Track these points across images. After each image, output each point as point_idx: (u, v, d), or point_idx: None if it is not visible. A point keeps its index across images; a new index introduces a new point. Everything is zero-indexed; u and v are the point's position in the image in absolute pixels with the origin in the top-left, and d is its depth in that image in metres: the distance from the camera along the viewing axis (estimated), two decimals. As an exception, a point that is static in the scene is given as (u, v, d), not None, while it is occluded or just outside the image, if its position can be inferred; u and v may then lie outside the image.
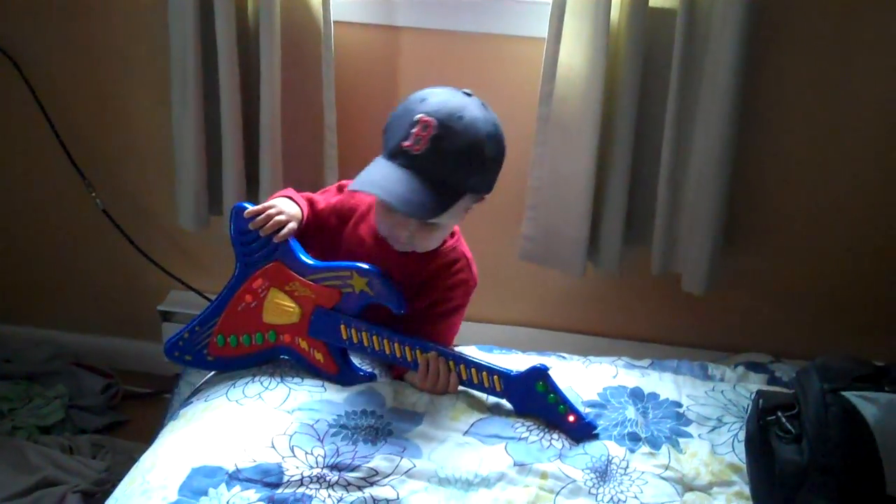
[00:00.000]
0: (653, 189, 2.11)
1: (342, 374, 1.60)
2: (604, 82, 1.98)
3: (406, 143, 1.47)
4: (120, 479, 1.41)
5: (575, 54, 2.00)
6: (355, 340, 1.58)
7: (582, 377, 1.68)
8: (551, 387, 1.52)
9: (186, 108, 2.16)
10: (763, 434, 1.40)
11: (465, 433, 1.50)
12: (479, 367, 1.56)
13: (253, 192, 2.25)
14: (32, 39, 2.29)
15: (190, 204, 2.26)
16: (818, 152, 2.13)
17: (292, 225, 1.60)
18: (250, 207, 1.61)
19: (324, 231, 1.68)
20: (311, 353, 1.59)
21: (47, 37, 2.29)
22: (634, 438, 1.52)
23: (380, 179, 1.48)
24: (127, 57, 2.28)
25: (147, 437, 1.44)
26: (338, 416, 1.50)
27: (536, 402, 1.53)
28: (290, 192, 1.68)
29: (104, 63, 2.30)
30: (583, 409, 1.55)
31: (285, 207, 1.61)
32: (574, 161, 2.09)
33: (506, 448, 1.47)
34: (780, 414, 1.41)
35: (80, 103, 2.36)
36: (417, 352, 1.57)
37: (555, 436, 1.51)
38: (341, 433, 1.46)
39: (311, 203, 1.69)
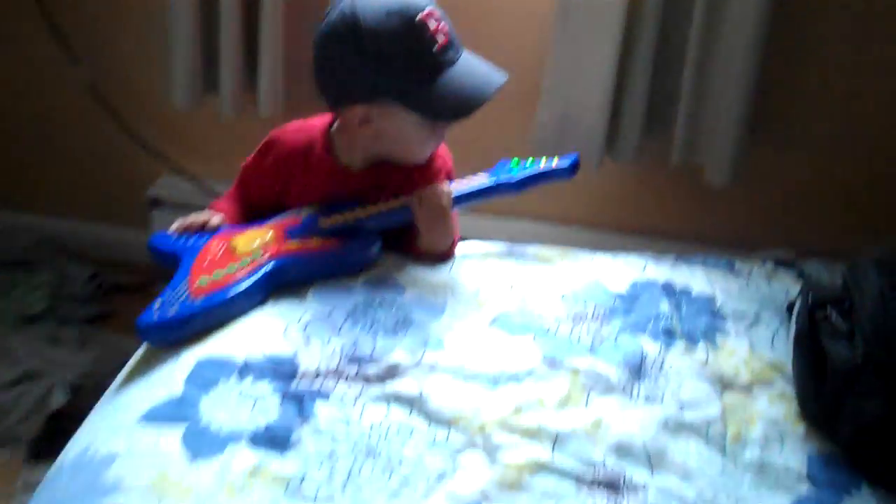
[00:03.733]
0: (677, 74, 1.99)
1: (347, 246, 1.48)
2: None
3: (438, 46, 1.41)
4: (108, 372, 1.31)
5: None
6: (339, 222, 1.49)
7: (610, 270, 1.58)
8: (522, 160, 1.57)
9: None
10: (813, 330, 1.31)
11: (490, 324, 1.41)
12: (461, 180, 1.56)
13: (251, 68, 2.11)
14: None
15: (184, 80, 2.12)
16: (854, 43, 2.01)
17: (219, 217, 1.55)
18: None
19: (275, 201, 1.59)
20: (305, 244, 1.46)
21: None
22: (669, 333, 1.43)
23: (471, 81, 1.43)
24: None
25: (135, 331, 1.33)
26: (354, 305, 1.40)
27: (520, 173, 1.55)
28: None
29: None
30: None
31: (202, 216, 1.55)
32: (596, 42, 1.96)
33: (534, 340, 1.37)
34: (830, 309, 1.32)
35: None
36: (400, 199, 1.51)
37: (584, 329, 1.41)
38: (359, 323, 1.36)
39: (236, 198, 1.63)
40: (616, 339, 1.40)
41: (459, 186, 1.55)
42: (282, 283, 1.43)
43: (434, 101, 1.42)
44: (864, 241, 2.11)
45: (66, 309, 2.35)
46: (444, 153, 1.60)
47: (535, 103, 2.04)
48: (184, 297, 1.36)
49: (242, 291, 1.37)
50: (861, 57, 2.03)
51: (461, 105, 1.43)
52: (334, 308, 1.39)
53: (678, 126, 2.01)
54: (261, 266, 1.41)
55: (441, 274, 1.51)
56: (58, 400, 2.04)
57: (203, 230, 1.52)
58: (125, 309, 2.38)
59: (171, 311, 1.33)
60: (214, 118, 2.15)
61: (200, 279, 1.38)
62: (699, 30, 1.92)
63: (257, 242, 1.46)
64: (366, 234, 1.50)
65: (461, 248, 1.60)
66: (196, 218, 1.53)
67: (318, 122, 1.59)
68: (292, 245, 1.45)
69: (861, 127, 2.09)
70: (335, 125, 1.55)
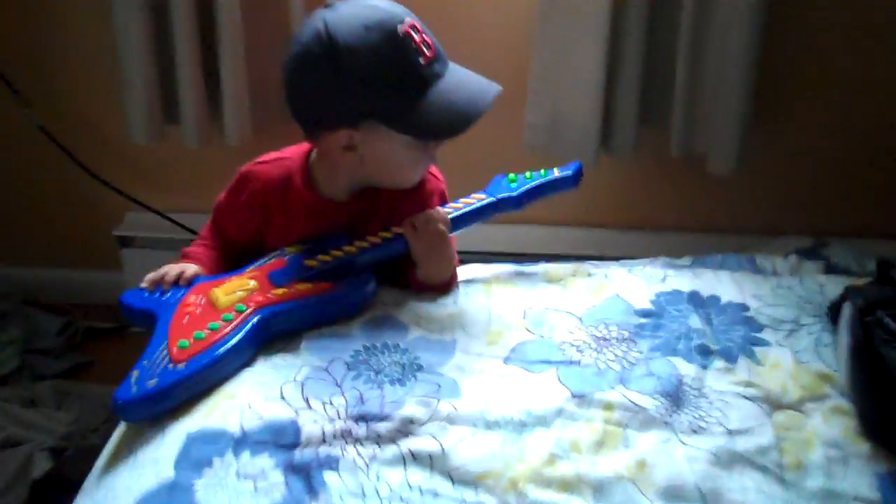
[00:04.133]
0: (670, 61, 1.86)
1: (339, 288, 1.34)
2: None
3: (424, 59, 1.28)
4: (91, 430, 1.18)
5: None
6: (327, 261, 1.36)
7: (628, 284, 1.45)
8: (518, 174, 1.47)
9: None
10: (867, 339, 1.18)
11: (507, 360, 1.27)
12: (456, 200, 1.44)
13: (214, 94, 1.96)
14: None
15: (141, 114, 1.97)
16: (851, 18, 1.89)
17: (194, 268, 1.40)
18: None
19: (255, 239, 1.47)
20: (292, 291, 1.32)
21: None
22: (705, 352, 1.30)
23: (463, 94, 1.30)
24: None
25: (116, 378, 1.18)
26: (355, 352, 1.26)
27: (520, 187, 1.44)
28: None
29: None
30: None
31: (176, 268, 1.40)
32: (583, 33, 1.83)
33: (558, 376, 1.24)
34: (881, 314, 1.19)
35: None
36: (392, 230, 1.38)
37: (610, 355, 1.28)
38: (362, 374, 1.22)
39: (211, 241, 1.50)
40: (647, 363, 1.27)
41: (456, 208, 1.41)
42: (271, 335, 1.29)
43: (424, 120, 1.29)
44: (877, 219, 2.02)
45: (40, 364, 2.21)
46: (436, 173, 1.47)
47: (522, 106, 1.91)
48: (164, 364, 1.21)
49: (229, 350, 1.23)
50: (861, 37, 1.91)
51: (455, 121, 1.29)
52: (332, 359, 1.25)
53: (675, 116, 1.88)
54: (246, 320, 1.27)
55: (446, 307, 1.38)
56: (40, 467, 1.89)
57: (178, 283, 1.37)
58: (103, 356, 2.25)
59: (151, 383, 1.18)
60: (179, 149, 2.00)
61: (181, 341, 1.23)
62: (691, 13, 1.79)
63: (240, 293, 1.31)
64: (358, 271, 1.36)
65: (462, 274, 1.46)
66: (169, 271, 1.38)
67: (293, 151, 1.45)
68: (278, 292, 1.31)
69: (864, 104, 1.97)
70: (314, 154, 1.42)
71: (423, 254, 1.38)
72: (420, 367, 1.24)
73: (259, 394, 1.18)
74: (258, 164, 1.45)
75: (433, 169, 1.45)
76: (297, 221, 1.41)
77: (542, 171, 1.46)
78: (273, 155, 1.46)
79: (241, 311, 1.28)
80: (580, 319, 1.36)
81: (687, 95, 1.86)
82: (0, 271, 2.37)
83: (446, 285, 1.41)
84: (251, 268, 1.38)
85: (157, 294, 1.36)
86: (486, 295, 1.41)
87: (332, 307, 1.33)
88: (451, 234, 1.39)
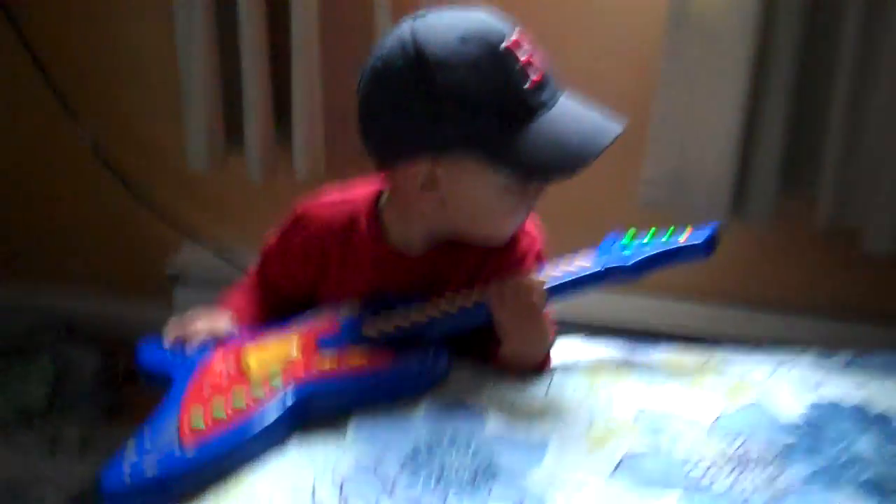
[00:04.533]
0: (823, 111, 1.56)
1: (403, 365, 1.05)
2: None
3: (529, 83, 1.02)
4: None
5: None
6: (389, 330, 1.08)
7: (772, 389, 1.13)
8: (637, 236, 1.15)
9: (194, 11, 1.63)
10: None
11: (612, 474, 0.97)
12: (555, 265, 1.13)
13: (284, 123, 1.71)
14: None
15: (201, 138, 1.74)
16: None
17: (226, 323, 1.16)
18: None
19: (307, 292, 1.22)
20: (343, 365, 1.05)
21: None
22: (879, 489, 0.97)
23: (575, 127, 1.04)
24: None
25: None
26: (413, 446, 0.97)
27: (637, 255, 1.12)
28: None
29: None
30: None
31: (205, 320, 1.16)
32: (717, 80, 1.55)
33: (681, 499, 0.93)
34: None
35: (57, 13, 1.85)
36: (473, 296, 1.09)
37: (750, 480, 0.97)
38: (421, 474, 0.93)
39: (254, 289, 1.26)
40: (803, 497, 0.95)
41: (554, 274, 1.12)
42: (312, 415, 1.01)
43: (528, 154, 1.01)
44: None
45: (69, 402, 1.99)
46: (532, 230, 1.19)
47: (640, 156, 1.61)
48: (170, 444, 0.94)
49: (254, 438, 0.96)
50: None
51: (565, 159, 1.02)
52: (385, 451, 0.96)
53: (826, 180, 1.58)
54: (281, 400, 0.99)
55: (536, 395, 1.08)
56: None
57: (206, 339, 1.11)
58: (141, 399, 2.00)
59: (151, 470, 0.91)
60: (240, 180, 1.76)
61: (195, 418, 0.96)
62: (851, 55, 1.49)
63: (278, 360, 1.04)
64: (428, 344, 1.08)
65: (559, 352, 1.16)
66: (196, 326, 1.12)
67: (360, 192, 1.20)
68: (326, 363, 1.04)
69: None
70: (384, 196, 1.16)
71: (510, 329, 1.09)
72: (496, 474, 0.95)
73: (285, 489, 0.91)
74: (316, 206, 1.20)
75: (529, 225, 1.17)
76: (359, 276, 1.16)
77: (666, 235, 1.15)
78: (335, 194, 1.21)
79: (275, 386, 1.00)
80: (710, 430, 1.04)
81: (841, 155, 1.55)
82: (42, 299, 2.16)
83: (537, 368, 1.12)
84: (296, 327, 1.12)
85: (180, 352, 1.10)
86: (588, 385, 1.10)
87: (390, 387, 1.05)
88: (546, 306, 1.10)
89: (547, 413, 1.04)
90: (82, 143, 1.88)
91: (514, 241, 1.15)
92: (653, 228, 1.16)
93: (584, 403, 1.07)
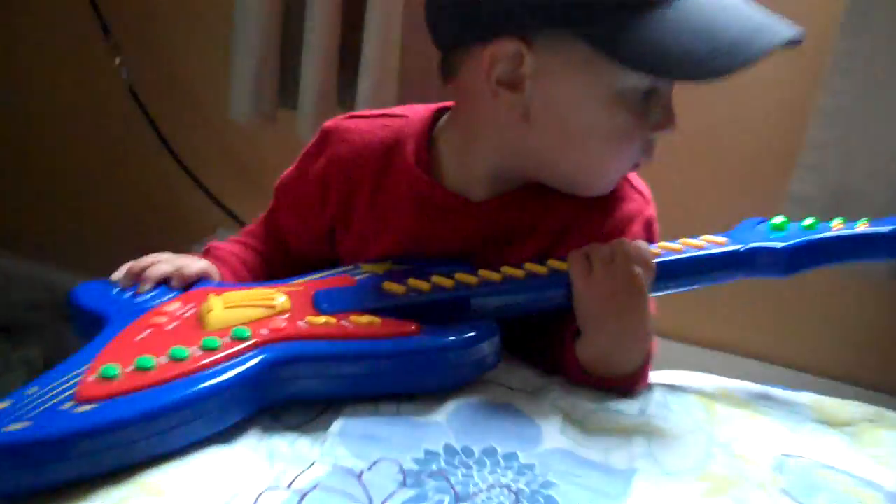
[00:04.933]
0: None
1: (433, 334, 0.70)
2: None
3: None
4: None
5: None
6: (423, 288, 0.74)
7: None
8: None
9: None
10: None
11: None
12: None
13: (348, 77, 1.41)
14: None
15: (247, 88, 1.44)
16: None
17: (201, 264, 0.80)
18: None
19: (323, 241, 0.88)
20: (345, 325, 0.70)
21: None
22: None
23: (730, 17, 0.70)
24: None
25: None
26: (427, 452, 0.63)
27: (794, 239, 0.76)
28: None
29: None
30: None
31: (171, 259, 0.80)
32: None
33: None
34: None
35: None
36: (549, 263, 0.76)
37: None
38: (428, 496, 0.59)
39: (255, 238, 0.91)
40: None
41: (672, 251, 0.77)
42: (286, 392, 0.67)
43: (660, 43, 0.68)
44: None
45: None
46: (644, 190, 0.84)
47: (789, 165, 1.25)
48: (57, 399, 0.61)
49: (188, 402, 0.62)
50: None
51: (715, 52, 0.68)
52: (382, 453, 0.62)
53: None
54: (242, 357, 0.65)
55: (624, 410, 0.73)
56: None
57: (171, 284, 0.78)
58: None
59: (14, 428, 0.58)
60: (291, 140, 1.45)
61: (108, 367, 0.63)
62: None
63: (251, 311, 0.71)
64: (475, 319, 0.73)
65: (662, 375, 0.80)
66: (156, 262, 0.79)
67: (415, 109, 0.86)
68: (318, 321, 0.70)
69: None
70: (444, 119, 0.84)
71: (598, 315, 0.73)
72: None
73: (211, 494, 0.58)
74: (354, 118, 0.87)
75: (639, 182, 0.83)
76: (394, 223, 0.82)
77: (835, 221, 0.79)
78: (378, 112, 0.88)
79: (239, 339, 0.67)
80: (888, 497, 0.67)
81: None
82: (41, 271, 1.87)
83: (628, 382, 0.75)
84: (297, 280, 0.78)
85: (129, 295, 0.77)
86: (704, 411, 0.74)
87: (408, 368, 0.69)
88: (652, 292, 0.74)
89: (639, 434, 0.68)
90: (121, 76, 1.59)
91: (616, 197, 0.81)
92: (813, 217, 0.81)
93: (696, 431, 0.70)
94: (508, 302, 0.74)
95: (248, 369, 0.65)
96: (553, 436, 0.66)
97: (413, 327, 0.69)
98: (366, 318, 0.70)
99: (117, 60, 1.59)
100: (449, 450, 0.63)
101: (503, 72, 0.72)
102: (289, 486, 0.59)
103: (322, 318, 0.70)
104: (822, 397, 0.81)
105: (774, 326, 1.41)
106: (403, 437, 0.64)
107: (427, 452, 0.63)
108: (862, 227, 0.79)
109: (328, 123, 0.87)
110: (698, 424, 0.71)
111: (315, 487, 0.58)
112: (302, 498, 0.57)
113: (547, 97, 0.73)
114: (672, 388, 0.76)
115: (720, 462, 0.66)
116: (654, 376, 0.78)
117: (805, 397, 0.80)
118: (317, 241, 0.88)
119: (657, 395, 0.74)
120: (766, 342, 1.42)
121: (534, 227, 0.80)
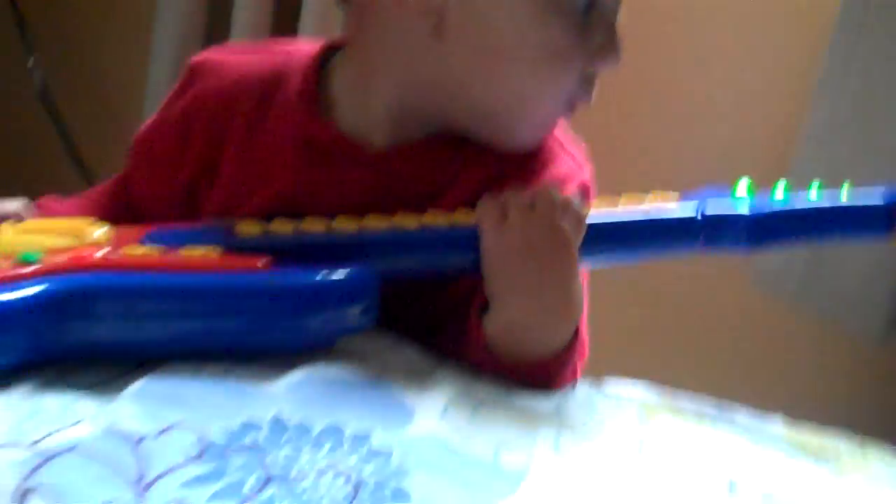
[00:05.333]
0: None
1: (286, 270, 0.53)
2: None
3: None
4: None
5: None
6: (283, 231, 0.57)
7: None
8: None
9: None
10: None
11: None
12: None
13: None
14: None
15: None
16: None
17: (13, 205, 0.64)
18: None
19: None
20: (172, 256, 0.53)
21: None
22: None
23: None
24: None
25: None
26: (244, 424, 0.45)
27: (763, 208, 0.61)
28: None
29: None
30: None
31: None
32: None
33: None
34: None
35: None
36: (454, 215, 0.59)
37: None
38: (229, 467, 0.41)
39: (102, 194, 0.73)
40: None
41: (606, 211, 0.60)
42: (76, 344, 0.50)
43: None
44: None
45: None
46: (577, 153, 0.68)
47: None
48: None
49: None
50: None
51: None
52: (175, 426, 0.44)
53: None
54: (21, 282, 0.48)
55: (530, 400, 0.55)
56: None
57: None
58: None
59: None
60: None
61: None
62: None
63: (51, 237, 0.53)
64: (355, 267, 0.55)
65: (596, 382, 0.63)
66: None
67: (302, 44, 0.71)
68: (137, 252, 0.53)
69: None
70: (340, 53, 0.67)
71: (511, 271, 0.56)
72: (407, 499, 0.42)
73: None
74: (226, 50, 0.72)
75: (572, 143, 0.68)
76: (275, 171, 0.65)
77: (814, 187, 0.62)
78: (260, 43, 0.74)
79: (27, 262, 0.49)
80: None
81: None
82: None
83: (547, 370, 0.57)
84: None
85: None
86: (639, 420, 0.56)
87: (251, 314, 0.52)
88: (583, 258, 0.57)
89: (547, 430, 0.50)
90: (33, 76, 1.42)
91: (544, 160, 0.64)
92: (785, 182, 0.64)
93: (626, 439, 0.52)
94: (397, 259, 0.57)
95: (18, 300, 0.47)
96: (428, 419, 0.48)
97: (261, 262, 0.52)
98: (200, 251, 0.52)
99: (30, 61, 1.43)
100: (277, 424, 0.45)
101: None
102: (34, 443, 0.41)
103: (142, 249, 0.52)
104: (795, 424, 0.64)
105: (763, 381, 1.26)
106: (219, 404, 0.47)
107: (245, 425, 0.45)
108: (846, 193, 0.62)
109: (196, 57, 0.70)
110: (628, 426, 0.53)
111: (71, 450, 0.40)
112: (45, 461, 0.39)
113: (466, 7, 0.57)
114: (608, 393, 0.59)
115: (643, 476, 0.48)
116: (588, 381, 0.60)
117: (775, 427, 0.63)
118: (174, 207, 0.69)
119: (582, 394, 0.56)
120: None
121: (443, 190, 0.63)
